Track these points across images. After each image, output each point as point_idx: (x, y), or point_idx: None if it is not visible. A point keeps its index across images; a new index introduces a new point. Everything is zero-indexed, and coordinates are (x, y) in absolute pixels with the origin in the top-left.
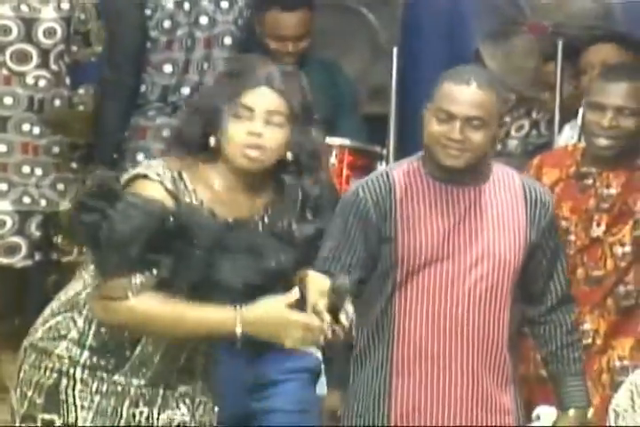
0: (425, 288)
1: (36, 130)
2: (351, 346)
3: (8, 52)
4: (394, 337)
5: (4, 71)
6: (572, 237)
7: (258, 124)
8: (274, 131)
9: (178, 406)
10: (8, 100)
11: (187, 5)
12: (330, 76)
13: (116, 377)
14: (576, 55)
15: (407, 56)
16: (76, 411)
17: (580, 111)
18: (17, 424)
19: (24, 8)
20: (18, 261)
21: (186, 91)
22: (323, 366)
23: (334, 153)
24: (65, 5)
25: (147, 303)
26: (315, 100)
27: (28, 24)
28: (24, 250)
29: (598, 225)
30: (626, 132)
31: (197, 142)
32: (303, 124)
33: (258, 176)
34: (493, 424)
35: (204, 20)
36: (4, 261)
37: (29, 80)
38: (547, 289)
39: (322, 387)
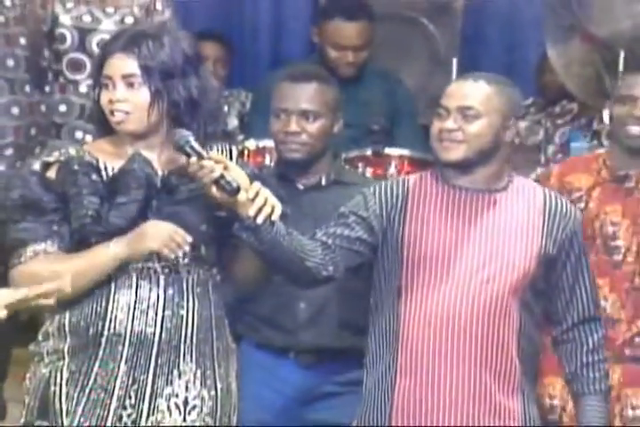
0: (430, 290)
1: (88, 138)
2: None
3: (64, 61)
4: (400, 339)
5: (61, 79)
6: (621, 243)
7: (118, 90)
8: (133, 93)
9: (169, 409)
10: (62, 108)
11: None
12: (388, 86)
13: (96, 366)
14: None
15: (467, 66)
16: (62, 416)
17: (605, 113)
18: None
19: (86, 18)
20: None
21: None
22: None
23: (393, 163)
24: (129, 20)
25: (32, 264)
26: (373, 111)
27: (83, 34)
28: None
29: None
30: None
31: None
32: (172, 79)
33: (142, 137)
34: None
35: None
36: None
37: (82, 89)
38: (569, 306)
39: None
